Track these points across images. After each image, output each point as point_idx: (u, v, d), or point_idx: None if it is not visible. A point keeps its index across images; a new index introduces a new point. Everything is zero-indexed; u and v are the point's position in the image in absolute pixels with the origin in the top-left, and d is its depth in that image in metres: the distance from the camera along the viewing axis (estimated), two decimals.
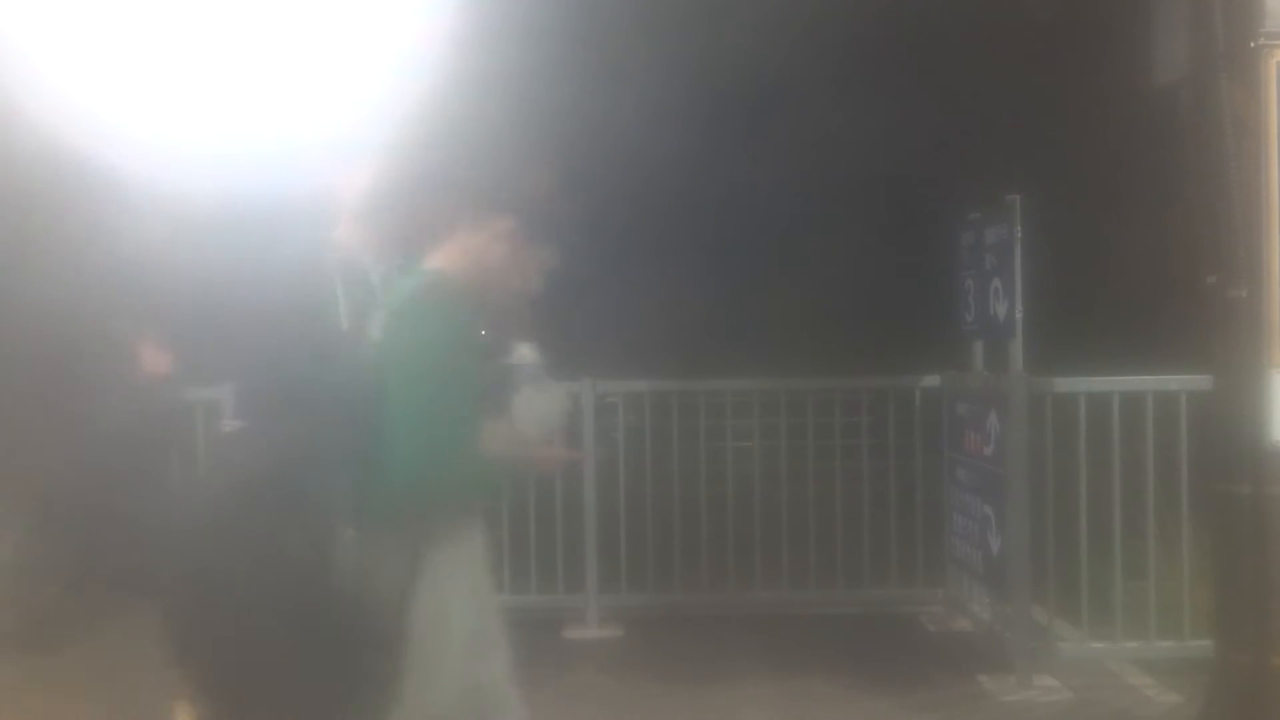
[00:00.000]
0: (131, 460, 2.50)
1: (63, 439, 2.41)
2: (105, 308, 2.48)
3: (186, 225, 2.53)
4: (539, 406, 3.17)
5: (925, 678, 5.73)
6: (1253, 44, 3.97)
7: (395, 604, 2.79)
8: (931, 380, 6.85)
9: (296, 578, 2.59)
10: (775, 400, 7.00)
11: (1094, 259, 9.84)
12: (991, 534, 5.91)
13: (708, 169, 12.71)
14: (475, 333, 3.01)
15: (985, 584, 6.15)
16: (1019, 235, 5.59)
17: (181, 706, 2.53)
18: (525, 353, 3.21)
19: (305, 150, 2.81)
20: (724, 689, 5.53)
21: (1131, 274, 9.07)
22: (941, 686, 5.62)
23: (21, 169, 2.43)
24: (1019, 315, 5.59)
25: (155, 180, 2.50)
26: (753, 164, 12.57)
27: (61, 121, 2.43)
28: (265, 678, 2.56)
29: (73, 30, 2.51)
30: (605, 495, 6.67)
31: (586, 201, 3.50)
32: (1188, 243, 4.28)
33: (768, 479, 6.95)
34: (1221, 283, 4.07)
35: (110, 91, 2.50)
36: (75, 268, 2.43)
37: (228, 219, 2.58)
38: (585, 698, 5.41)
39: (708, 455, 6.99)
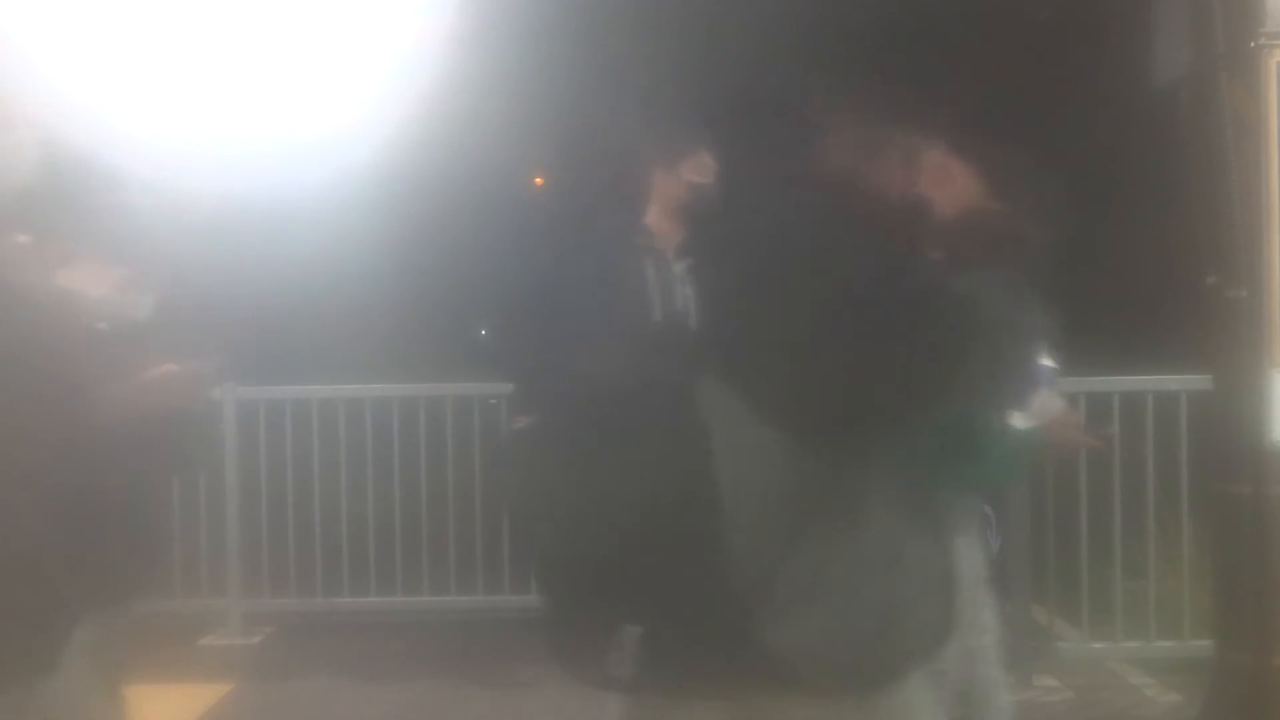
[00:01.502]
0: None
1: None
2: None
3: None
4: (1050, 404, 3.21)
5: None
6: (1253, 44, 3.97)
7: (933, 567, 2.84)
8: None
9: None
10: None
11: (1094, 259, 9.83)
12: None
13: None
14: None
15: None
16: None
17: None
18: (1044, 354, 3.21)
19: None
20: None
21: (1131, 274, 9.07)
22: None
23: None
24: None
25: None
26: (746, 160, 12.56)
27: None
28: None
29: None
30: None
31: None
32: (1188, 243, 4.28)
33: None
34: (1221, 283, 4.07)
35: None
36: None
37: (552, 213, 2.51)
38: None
39: None
